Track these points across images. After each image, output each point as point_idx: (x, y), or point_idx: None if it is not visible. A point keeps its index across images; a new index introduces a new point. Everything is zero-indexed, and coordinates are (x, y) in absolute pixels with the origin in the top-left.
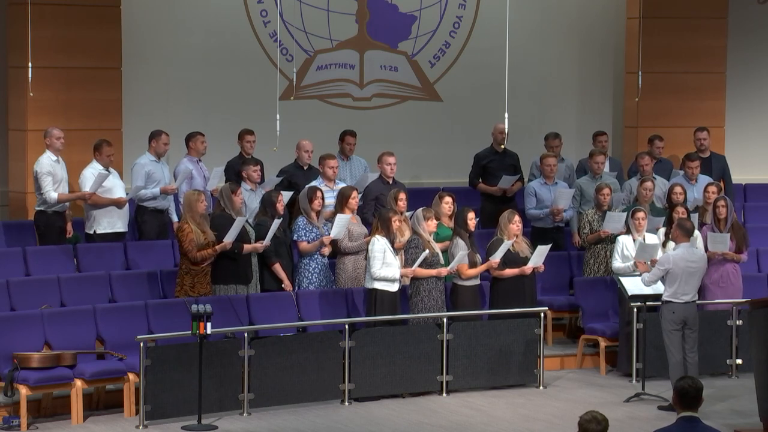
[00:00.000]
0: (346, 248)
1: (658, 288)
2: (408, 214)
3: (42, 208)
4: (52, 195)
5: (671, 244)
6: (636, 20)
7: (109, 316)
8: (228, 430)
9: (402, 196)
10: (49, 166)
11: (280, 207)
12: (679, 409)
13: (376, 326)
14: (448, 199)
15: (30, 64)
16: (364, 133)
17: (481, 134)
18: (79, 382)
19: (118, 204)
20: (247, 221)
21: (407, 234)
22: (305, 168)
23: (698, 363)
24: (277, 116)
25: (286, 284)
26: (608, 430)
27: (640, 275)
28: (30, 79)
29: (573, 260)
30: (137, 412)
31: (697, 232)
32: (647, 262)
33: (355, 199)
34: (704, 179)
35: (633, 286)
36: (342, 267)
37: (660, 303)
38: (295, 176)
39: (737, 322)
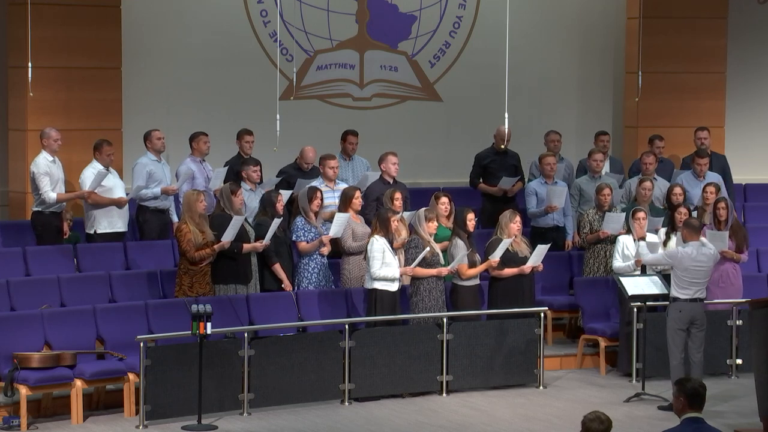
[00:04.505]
0: (350, 248)
1: (660, 287)
2: (407, 214)
3: (39, 209)
4: (51, 195)
5: (671, 244)
6: (636, 20)
7: (109, 316)
8: (228, 430)
9: (397, 195)
10: (45, 167)
11: (280, 207)
12: (686, 409)
13: (376, 326)
14: (444, 199)
15: (30, 64)
16: (364, 133)
17: (481, 134)
18: (79, 382)
19: (118, 204)
20: (246, 221)
21: (404, 234)
22: (305, 170)
23: (702, 362)
24: (277, 116)
25: (286, 284)
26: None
27: (641, 274)
28: (30, 79)
29: (573, 260)
30: (137, 412)
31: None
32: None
33: (358, 200)
34: (712, 176)
35: (633, 286)
36: (347, 267)
37: (659, 302)
38: (295, 177)
39: (737, 322)
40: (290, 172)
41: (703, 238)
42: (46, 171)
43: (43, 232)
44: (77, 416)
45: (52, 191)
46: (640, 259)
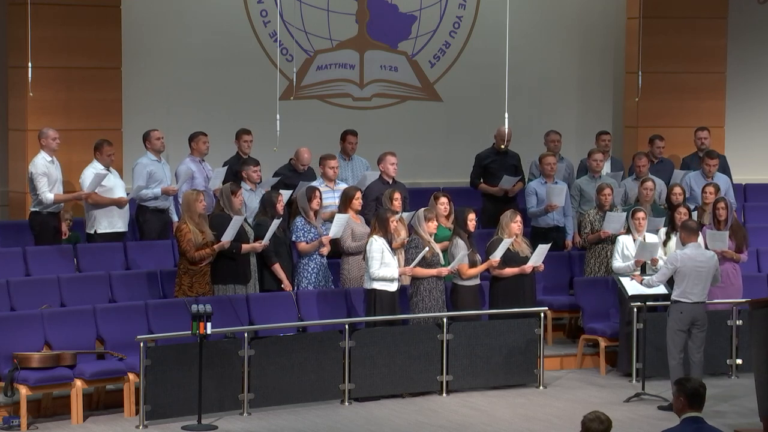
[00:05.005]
0: (350, 248)
1: (659, 288)
2: (406, 215)
3: (37, 209)
4: (49, 196)
5: (671, 244)
6: (636, 20)
7: (109, 316)
8: (228, 430)
9: (397, 195)
10: (44, 167)
11: (280, 207)
12: (686, 409)
13: (376, 326)
14: (443, 199)
15: (30, 64)
16: (364, 133)
17: (482, 134)
18: (79, 382)
19: (118, 204)
20: (246, 221)
21: (403, 234)
22: (300, 172)
23: (702, 362)
24: (277, 116)
25: (286, 284)
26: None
27: (641, 273)
28: (30, 79)
29: (573, 260)
30: (137, 412)
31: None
32: (647, 261)
33: (358, 200)
34: (721, 177)
35: (633, 286)
36: (347, 267)
37: (659, 302)
38: (290, 178)
39: (737, 322)
40: (285, 174)
41: (701, 241)
42: (44, 171)
43: (40, 232)
44: (77, 416)
45: (49, 192)
46: (640, 259)
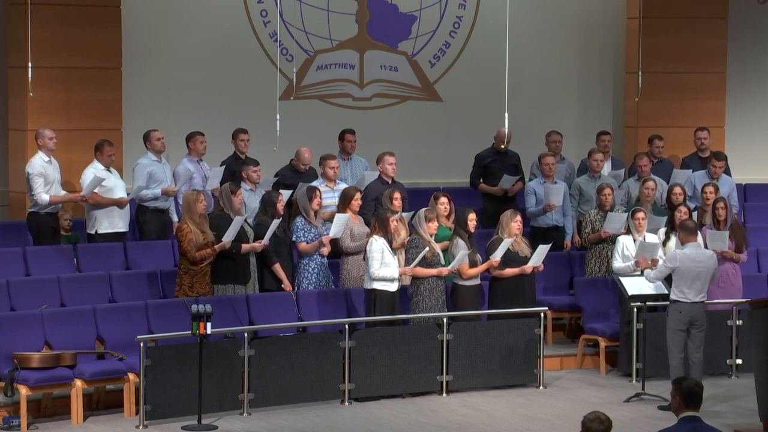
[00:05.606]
0: (348, 248)
1: (659, 288)
2: (406, 214)
3: (34, 210)
4: (44, 197)
5: (671, 244)
6: (636, 20)
7: (109, 316)
8: (228, 430)
9: (397, 195)
10: (40, 167)
11: (280, 207)
12: (682, 408)
13: (376, 326)
14: (443, 199)
15: (30, 64)
16: (364, 133)
17: (482, 134)
18: (79, 382)
19: (119, 204)
20: (246, 221)
21: (403, 234)
22: (301, 172)
23: (702, 362)
24: (277, 116)
25: (286, 284)
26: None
27: (641, 274)
28: (30, 79)
29: (573, 260)
30: (137, 412)
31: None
32: (648, 260)
33: (357, 201)
34: (726, 179)
35: (633, 286)
36: (346, 268)
37: (659, 302)
38: (291, 178)
39: (737, 322)
40: (286, 174)
41: (700, 240)
42: (41, 172)
43: (39, 233)
44: (77, 416)
45: (45, 193)
46: (641, 259)
